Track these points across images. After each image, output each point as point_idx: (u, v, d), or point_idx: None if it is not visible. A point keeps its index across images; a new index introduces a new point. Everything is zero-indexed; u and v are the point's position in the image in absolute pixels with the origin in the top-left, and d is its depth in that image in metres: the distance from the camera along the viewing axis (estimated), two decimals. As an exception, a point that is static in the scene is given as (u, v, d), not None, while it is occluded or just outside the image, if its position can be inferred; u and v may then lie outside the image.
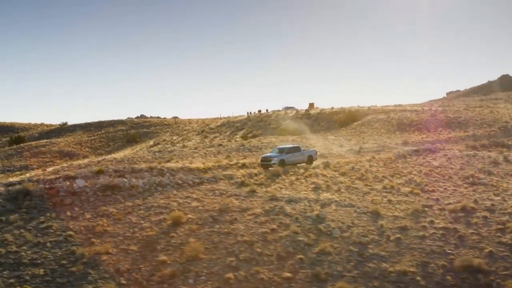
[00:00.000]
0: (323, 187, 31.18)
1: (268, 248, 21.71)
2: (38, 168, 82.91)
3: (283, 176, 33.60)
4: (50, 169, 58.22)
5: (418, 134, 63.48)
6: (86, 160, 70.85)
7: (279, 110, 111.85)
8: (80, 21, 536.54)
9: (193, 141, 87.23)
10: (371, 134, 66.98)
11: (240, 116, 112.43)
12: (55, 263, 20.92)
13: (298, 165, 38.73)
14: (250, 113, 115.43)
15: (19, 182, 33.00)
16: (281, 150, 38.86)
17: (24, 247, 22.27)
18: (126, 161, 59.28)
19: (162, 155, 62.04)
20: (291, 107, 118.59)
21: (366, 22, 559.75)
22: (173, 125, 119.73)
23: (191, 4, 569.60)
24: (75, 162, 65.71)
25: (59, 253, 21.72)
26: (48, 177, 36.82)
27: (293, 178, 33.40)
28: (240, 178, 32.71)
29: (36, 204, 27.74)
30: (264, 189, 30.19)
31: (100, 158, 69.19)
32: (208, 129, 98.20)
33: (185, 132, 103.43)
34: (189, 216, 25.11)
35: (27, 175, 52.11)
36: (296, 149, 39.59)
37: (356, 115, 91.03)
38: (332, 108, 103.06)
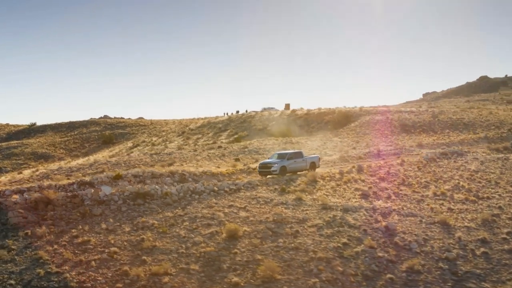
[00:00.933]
0: (370, 194, 28.80)
1: (349, 266, 19.23)
2: (13, 171, 78.92)
3: (322, 182, 31.15)
4: (27, 171, 54.82)
5: (427, 136, 61.74)
6: (74, 163, 67.38)
7: (260, 111, 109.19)
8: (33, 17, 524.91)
9: (176, 142, 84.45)
10: (376, 136, 64.97)
11: (220, 117, 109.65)
12: (109, 286, 18.08)
13: (301, 172, 35.43)
14: (226, 113, 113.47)
15: (38, 189, 29.89)
16: (282, 156, 35.11)
17: (65, 267, 19.35)
18: (123, 164, 56.15)
19: (161, 157, 58.91)
20: (271, 108, 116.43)
21: (339, 23, 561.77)
22: (149, 126, 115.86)
23: (165, 2, 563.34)
24: (53, 165, 62.33)
25: (110, 274, 18.90)
26: (61, 183, 33.70)
27: (332, 184, 30.98)
28: (278, 184, 30.19)
29: (62, 215, 24.84)
30: (310, 196, 27.69)
31: (89, 161, 65.80)
32: (188, 130, 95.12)
33: (163, 133, 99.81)
34: (245, 228, 22.44)
35: (3, 178, 48.77)
36: (298, 155, 35.60)
37: (349, 115, 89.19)
38: (320, 108, 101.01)
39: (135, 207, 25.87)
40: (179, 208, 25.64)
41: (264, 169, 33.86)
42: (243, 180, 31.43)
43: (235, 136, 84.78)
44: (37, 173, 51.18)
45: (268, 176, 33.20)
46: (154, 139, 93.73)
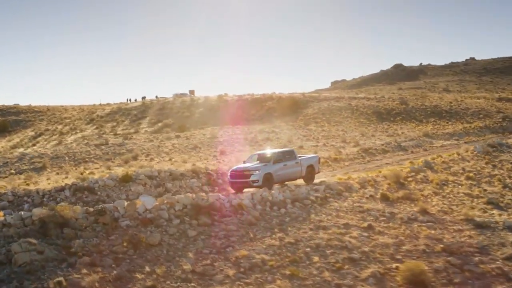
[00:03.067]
0: (501, 201, 21.65)
1: None
2: None
3: (414, 185, 23.60)
4: None
5: (416, 125, 56.25)
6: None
7: (171, 98, 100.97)
8: None
9: (89, 131, 74.64)
10: (356, 125, 58.65)
11: (133, 103, 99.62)
12: None
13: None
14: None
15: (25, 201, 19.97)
16: (264, 158, 23.86)
17: None
18: (67, 158, 45.68)
19: (114, 150, 49.01)
20: (184, 94, 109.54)
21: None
22: (46, 113, 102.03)
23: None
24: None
25: None
26: (38, 187, 23.64)
27: (427, 189, 23.49)
28: (368, 188, 22.28)
29: (98, 246, 15.71)
30: (434, 208, 20.05)
31: (15, 154, 54.35)
32: (97, 118, 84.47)
33: (67, 120, 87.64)
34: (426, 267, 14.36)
35: None
36: (289, 156, 24.32)
37: (298, 102, 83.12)
38: (253, 94, 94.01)
39: (203, 229, 17.05)
40: (276, 229, 17.13)
41: (239, 178, 22.66)
42: (313, 183, 23.13)
43: (159, 124, 76.80)
44: None
45: (244, 190, 22.70)
46: (59, 127, 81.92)
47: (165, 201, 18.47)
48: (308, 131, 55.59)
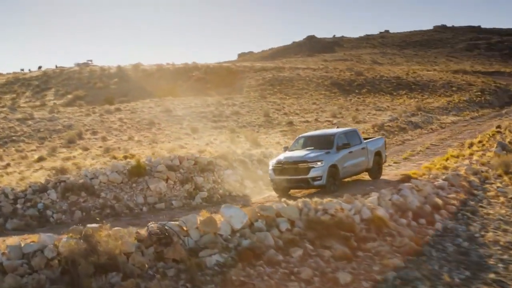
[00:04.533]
0: None
1: None
2: None
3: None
4: None
5: (393, 98, 51.30)
6: None
7: (75, 67, 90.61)
8: None
9: None
10: (322, 97, 52.87)
11: (31, 72, 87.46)
12: None
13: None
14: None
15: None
16: (321, 142, 16.75)
17: None
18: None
19: (45, 126, 39.70)
20: (87, 63, 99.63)
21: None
22: None
23: None
24: None
25: None
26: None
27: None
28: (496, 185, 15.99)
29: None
30: None
31: None
32: None
33: None
34: None
35: None
36: (353, 139, 17.33)
37: (234, 72, 76.91)
38: (174, 64, 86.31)
39: (347, 266, 10.10)
40: (466, 264, 10.40)
41: (289, 175, 15.73)
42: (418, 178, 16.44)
43: (69, 96, 68.14)
44: None
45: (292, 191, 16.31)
46: None
47: (259, 213, 11.21)
48: (275, 104, 48.99)
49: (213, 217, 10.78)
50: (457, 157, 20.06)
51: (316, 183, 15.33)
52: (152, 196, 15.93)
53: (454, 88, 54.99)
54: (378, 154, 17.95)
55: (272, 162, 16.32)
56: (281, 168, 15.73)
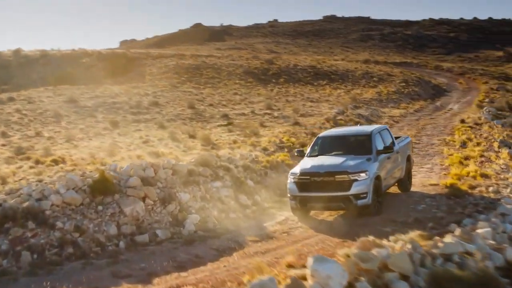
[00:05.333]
0: None
1: None
2: None
3: None
4: None
5: (317, 88, 48.50)
6: None
7: None
8: None
9: None
10: (239, 87, 49.08)
11: None
12: None
13: None
14: None
15: None
16: (353, 146, 13.16)
17: None
18: None
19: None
20: None
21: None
22: None
23: None
24: None
25: None
26: None
27: None
28: None
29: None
30: None
31: None
32: None
33: None
34: None
35: None
36: (387, 139, 13.87)
37: (132, 59, 71.54)
38: (60, 50, 78.07)
39: None
40: None
41: (320, 191, 11.94)
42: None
43: None
44: None
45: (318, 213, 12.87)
46: None
47: (357, 266, 7.23)
48: (191, 94, 44.46)
49: (299, 281, 6.65)
50: (467, 158, 17.18)
51: (360, 202, 11.58)
52: (128, 223, 11.27)
53: (375, 79, 53.36)
54: (408, 159, 14.53)
55: (293, 173, 12.31)
56: (309, 181, 11.78)
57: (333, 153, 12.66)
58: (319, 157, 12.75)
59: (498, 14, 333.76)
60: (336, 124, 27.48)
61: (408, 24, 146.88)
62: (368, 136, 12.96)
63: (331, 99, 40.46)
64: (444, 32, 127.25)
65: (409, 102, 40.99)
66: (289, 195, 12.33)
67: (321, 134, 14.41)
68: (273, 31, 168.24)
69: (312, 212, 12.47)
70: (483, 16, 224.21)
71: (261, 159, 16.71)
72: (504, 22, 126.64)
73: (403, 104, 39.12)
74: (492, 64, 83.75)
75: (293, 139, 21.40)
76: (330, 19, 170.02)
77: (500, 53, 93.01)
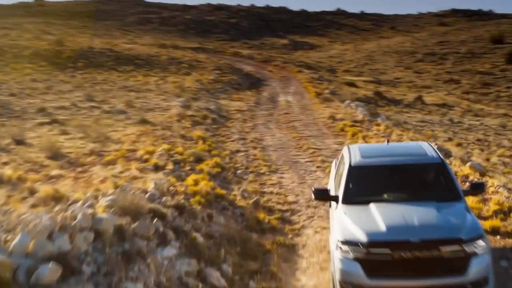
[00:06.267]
0: None
1: None
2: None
3: None
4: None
5: (124, 74, 41.95)
6: None
7: None
8: None
9: None
10: (38, 73, 40.39)
11: None
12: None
13: None
14: None
15: None
16: (418, 181, 8.06)
17: None
18: None
19: None
20: None
21: None
22: None
23: None
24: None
25: None
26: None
27: None
28: None
29: None
30: None
31: None
32: None
33: None
34: None
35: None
36: None
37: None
38: None
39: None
40: None
41: (419, 277, 6.27)
42: None
43: None
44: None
45: None
46: None
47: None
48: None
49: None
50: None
51: None
52: None
53: (185, 65, 48.29)
54: None
55: (349, 241, 6.52)
56: (390, 258, 6.34)
57: (391, 197, 7.40)
58: (378, 205, 7.12)
59: (275, 2, 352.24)
60: (196, 123, 22.05)
61: (186, 8, 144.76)
62: (441, 165, 7.89)
63: (153, 88, 34.73)
64: (224, 18, 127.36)
65: (236, 92, 37.05)
66: (341, 280, 6.48)
67: (354, 162, 8.18)
68: (42, 10, 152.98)
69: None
70: (260, 3, 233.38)
71: (180, 189, 10.78)
72: (281, 10, 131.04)
73: (235, 95, 35.12)
74: (280, 52, 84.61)
75: (180, 149, 15.33)
76: (104, 1, 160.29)
77: (285, 41, 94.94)
